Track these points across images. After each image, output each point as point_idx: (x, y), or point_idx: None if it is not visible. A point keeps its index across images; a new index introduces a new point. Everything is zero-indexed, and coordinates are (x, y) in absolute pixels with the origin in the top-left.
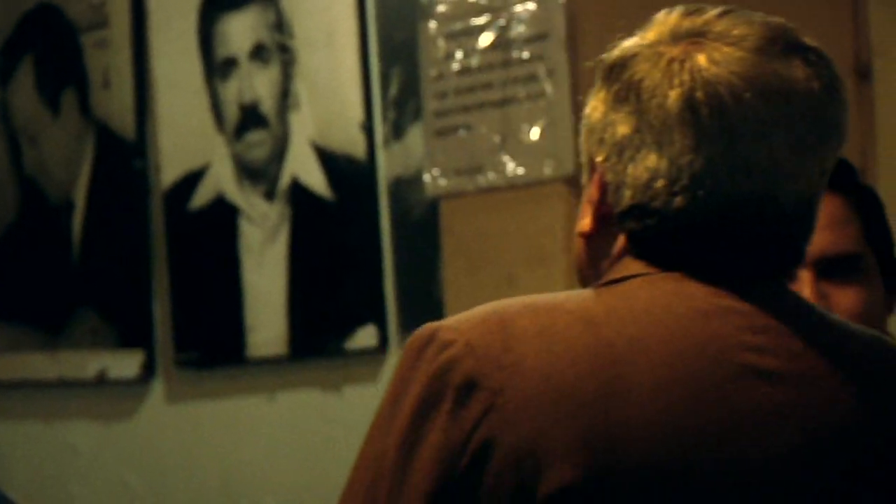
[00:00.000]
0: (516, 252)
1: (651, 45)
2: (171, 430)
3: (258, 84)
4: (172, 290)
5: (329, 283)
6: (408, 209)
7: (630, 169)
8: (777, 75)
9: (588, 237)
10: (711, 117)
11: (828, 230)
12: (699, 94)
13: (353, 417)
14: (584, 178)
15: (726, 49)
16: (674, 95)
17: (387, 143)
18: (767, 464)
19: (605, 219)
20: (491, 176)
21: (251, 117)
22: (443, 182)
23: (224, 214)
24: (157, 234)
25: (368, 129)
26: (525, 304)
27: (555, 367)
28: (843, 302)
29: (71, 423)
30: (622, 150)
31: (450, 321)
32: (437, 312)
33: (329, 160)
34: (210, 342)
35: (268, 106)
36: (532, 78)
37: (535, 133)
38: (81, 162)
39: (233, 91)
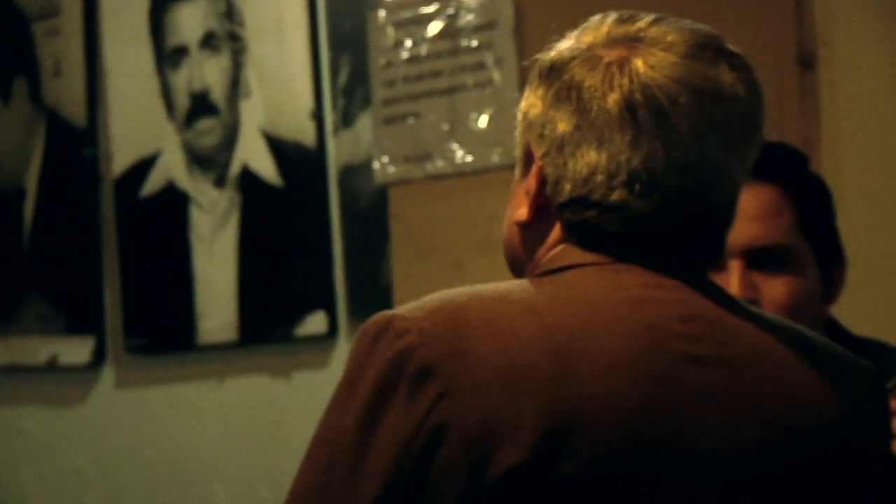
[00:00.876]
0: (464, 239)
1: (588, 49)
2: (121, 415)
3: (208, 72)
4: (123, 276)
5: (279, 269)
6: (357, 196)
7: (570, 164)
8: (708, 79)
9: (524, 226)
10: (649, 118)
11: (758, 221)
12: (638, 97)
13: (302, 403)
14: (518, 171)
15: (661, 54)
16: (614, 97)
17: (336, 130)
18: (706, 436)
19: (541, 209)
20: (439, 163)
21: (201, 105)
22: (391, 169)
23: (174, 201)
24: (108, 220)
25: (318, 117)
26: (472, 294)
27: (504, 354)
28: (772, 293)
29: (21, 408)
30: (562, 146)
31: (403, 310)
32: (385, 299)
33: (279, 148)
34: (160, 328)
35: (218, 94)
36: (480, 66)
37: (482, 121)
38: (32, 149)
39: (183, 79)
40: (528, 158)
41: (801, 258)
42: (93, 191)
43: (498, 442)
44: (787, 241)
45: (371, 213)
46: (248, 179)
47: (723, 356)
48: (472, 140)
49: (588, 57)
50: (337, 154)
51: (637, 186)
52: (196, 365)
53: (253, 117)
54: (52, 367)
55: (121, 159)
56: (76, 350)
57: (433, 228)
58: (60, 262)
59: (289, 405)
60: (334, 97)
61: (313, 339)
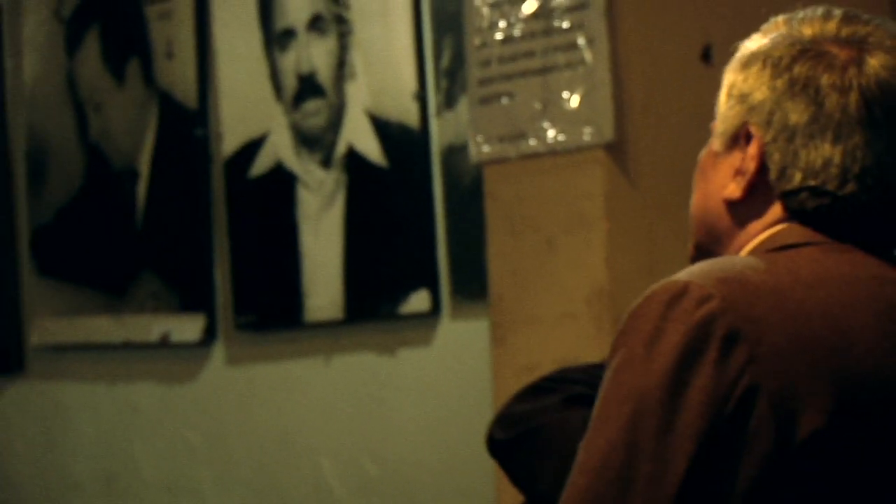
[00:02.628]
0: (556, 217)
1: (814, 42)
2: (231, 391)
3: (315, 54)
4: (232, 255)
5: (383, 248)
6: (460, 176)
7: (802, 154)
8: None
9: (733, 203)
10: (884, 117)
11: None
12: (875, 96)
13: (405, 380)
14: (720, 146)
15: (886, 56)
16: (854, 96)
17: (439, 111)
18: None
19: (753, 188)
20: (532, 142)
21: (308, 87)
22: (486, 148)
23: (282, 181)
24: (218, 200)
25: (421, 98)
26: (744, 264)
27: (793, 323)
28: None
29: (135, 384)
30: (793, 136)
31: (692, 277)
32: (487, 277)
33: (383, 129)
34: (268, 306)
35: (324, 76)
36: (572, 47)
37: (574, 101)
38: (145, 130)
39: (291, 61)
40: (740, 138)
41: None
42: (203, 171)
43: (801, 406)
44: None
45: (473, 192)
46: (354, 160)
47: None
48: (565, 119)
49: (819, 53)
50: (440, 134)
51: (869, 180)
52: (303, 342)
53: (358, 98)
54: (165, 344)
55: (231, 140)
56: (188, 327)
57: (526, 206)
58: (173, 241)
59: (393, 382)
60: (437, 78)
61: (417, 317)
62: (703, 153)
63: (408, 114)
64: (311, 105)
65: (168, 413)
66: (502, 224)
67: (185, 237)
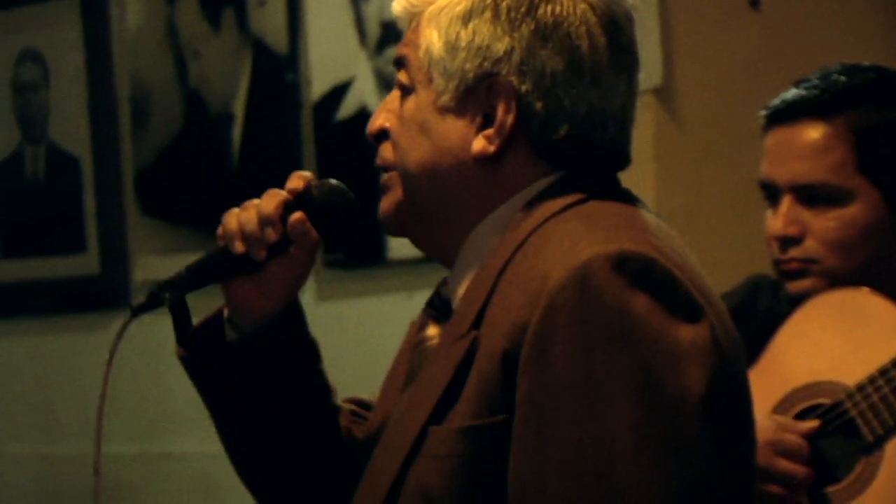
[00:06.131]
0: None
1: None
2: (321, 326)
3: (398, 1)
4: None
5: None
6: None
7: (566, 102)
8: None
9: (483, 159)
10: (625, 57)
11: (802, 159)
12: (617, 35)
13: None
14: (448, 99)
15: None
16: (601, 38)
17: None
18: None
19: (508, 143)
20: None
21: (391, 33)
22: None
23: (366, 125)
24: (307, 143)
25: None
26: (635, 226)
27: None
28: (817, 228)
29: None
30: (553, 84)
31: (639, 247)
32: None
33: None
34: (354, 244)
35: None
36: None
37: None
38: (240, 76)
39: (374, 8)
40: (479, 92)
41: (855, 195)
42: (294, 115)
43: None
44: (834, 179)
45: None
46: None
47: None
48: None
49: None
50: None
51: (620, 123)
52: (387, 279)
53: None
54: None
55: (319, 85)
56: None
57: None
58: (266, 183)
59: None
60: None
61: None
62: (410, 109)
63: None
64: (393, 51)
65: None
66: None
67: (277, 178)
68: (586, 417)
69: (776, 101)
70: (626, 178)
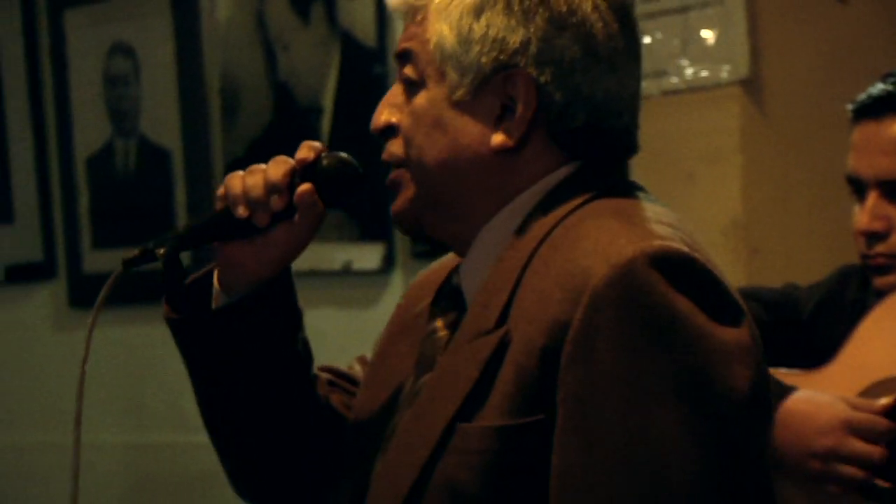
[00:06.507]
0: (695, 151)
1: None
2: None
3: None
4: None
5: None
6: None
7: (585, 89)
8: None
9: (503, 152)
10: (634, 42)
11: (889, 154)
12: (629, 20)
13: None
14: (462, 94)
15: None
16: (614, 23)
17: None
18: None
19: (526, 134)
20: (673, 79)
21: None
22: None
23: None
24: None
25: None
26: (672, 227)
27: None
28: None
29: (320, 310)
30: (571, 72)
31: (680, 244)
32: None
33: None
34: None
35: None
36: None
37: (712, 38)
38: (329, 68)
39: None
40: (495, 83)
41: None
42: None
43: None
44: None
45: None
46: None
47: None
48: (703, 57)
49: None
50: None
51: (633, 109)
52: None
53: None
54: (347, 271)
55: None
56: (368, 256)
57: (667, 141)
58: None
59: None
60: None
61: None
62: (422, 104)
63: None
64: None
65: (350, 337)
66: (645, 157)
67: (366, 170)
68: (635, 416)
69: (862, 96)
70: (712, 170)
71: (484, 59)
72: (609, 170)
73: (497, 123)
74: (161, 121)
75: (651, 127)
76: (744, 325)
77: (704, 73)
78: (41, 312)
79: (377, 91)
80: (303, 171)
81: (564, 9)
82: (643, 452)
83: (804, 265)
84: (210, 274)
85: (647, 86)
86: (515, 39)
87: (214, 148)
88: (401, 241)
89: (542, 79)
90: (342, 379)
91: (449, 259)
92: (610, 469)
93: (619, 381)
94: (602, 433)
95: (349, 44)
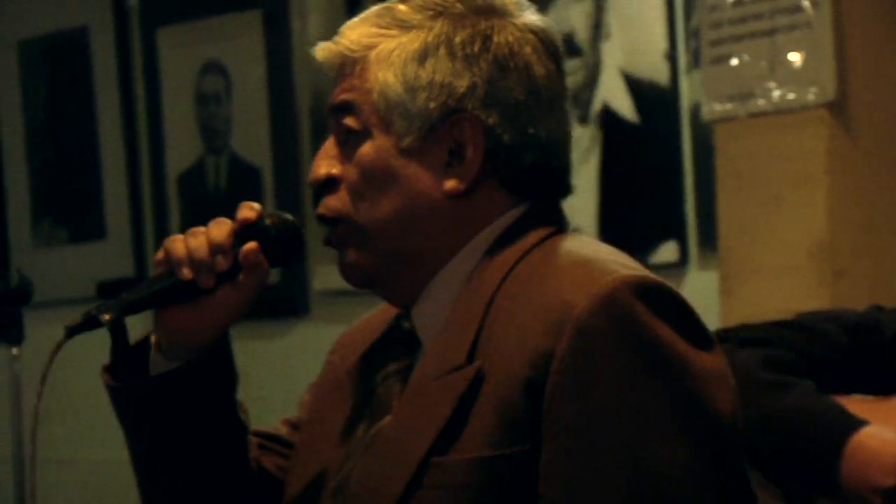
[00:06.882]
0: (782, 174)
1: (479, 14)
2: None
3: (573, 16)
4: None
5: (635, 201)
6: (707, 133)
7: (530, 131)
8: None
9: (455, 197)
10: (563, 82)
11: None
12: (559, 59)
13: None
14: (410, 141)
15: (536, 16)
16: (550, 63)
17: (688, 70)
18: None
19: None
20: (760, 102)
21: (567, 47)
22: (717, 107)
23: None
24: None
25: (671, 57)
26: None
27: None
28: None
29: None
30: (518, 114)
31: (640, 272)
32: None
33: (636, 87)
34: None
35: (582, 36)
36: (797, 9)
37: (799, 61)
38: None
39: (552, 20)
40: (442, 129)
41: None
42: None
43: None
44: None
45: None
46: (608, 117)
47: None
48: (790, 79)
49: (500, 26)
50: (689, 92)
51: (567, 147)
52: None
53: (613, 58)
54: None
55: None
56: None
57: (754, 163)
58: None
59: None
60: (687, 38)
61: (666, 267)
62: (369, 154)
63: (659, 72)
64: (570, 64)
65: None
66: (732, 180)
67: None
68: (638, 445)
69: None
70: (798, 193)
71: (432, 105)
72: (555, 210)
73: (446, 168)
74: (252, 139)
75: (737, 149)
76: (717, 350)
77: (791, 96)
78: (131, 328)
79: None
80: (245, 232)
81: (506, 51)
82: (648, 482)
83: (890, 288)
84: (146, 339)
85: (733, 108)
86: (462, 84)
87: (304, 166)
88: None
89: (490, 121)
90: (273, 442)
91: (379, 312)
92: (616, 496)
93: (619, 409)
94: (607, 464)
95: None
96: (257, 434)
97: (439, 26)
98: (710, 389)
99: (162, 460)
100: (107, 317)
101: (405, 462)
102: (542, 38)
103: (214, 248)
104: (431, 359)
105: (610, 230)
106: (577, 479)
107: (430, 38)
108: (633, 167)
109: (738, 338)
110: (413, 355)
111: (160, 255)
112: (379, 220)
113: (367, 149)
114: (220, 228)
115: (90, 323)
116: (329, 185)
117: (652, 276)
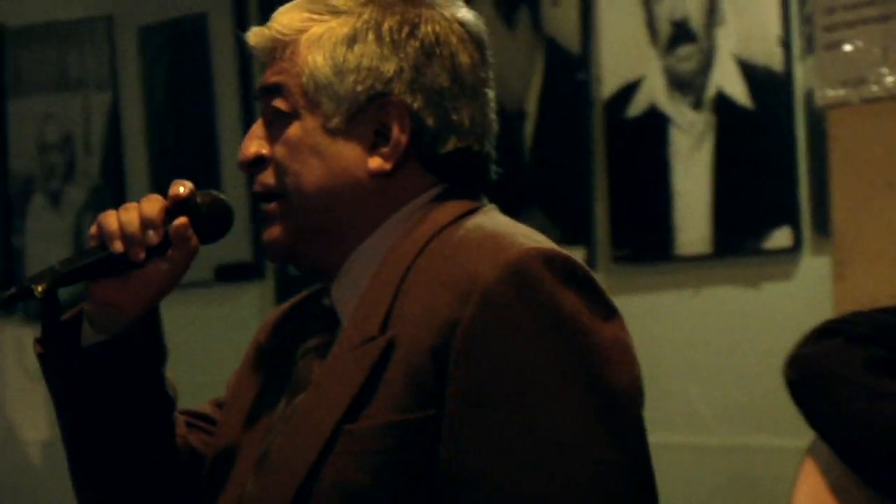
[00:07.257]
0: (895, 159)
1: (409, 3)
2: None
3: (688, 2)
4: (610, 192)
5: (749, 186)
6: (820, 118)
7: (453, 116)
8: None
9: (379, 176)
10: (487, 71)
11: None
12: (484, 51)
13: (768, 313)
14: (338, 122)
15: (466, 10)
16: (476, 53)
17: (802, 56)
18: None
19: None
20: (873, 87)
21: (681, 33)
22: (830, 93)
23: (656, 123)
24: (598, 140)
25: (786, 43)
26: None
27: None
28: None
29: None
30: (441, 99)
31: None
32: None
33: (750, 73)
34: (642, 240)
35: (696, 22)
36: None
37: None
38: (532, 74)
39: (666, 8)
40: (368, 111)
41: None
42: (585, 113)
43: None
44: None
45: None
46: (723, 102)
47: None
48: None
49: (430, 17)
50: (802, 78)
51: (490, 135)
52: (674, 274)
53: (727, 44)
54: None
55: (609, 83)
56: None
57: (867, 149)
58: (555, 179)
59: (756, 314)
60: (801, 24)
61: (779, 253)
62: (297, 134)
63: (773, 58)
64: (684, 50)
65: None
66: (845, 165)
67: (568, 175)
68: (527, 407)
69: None
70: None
71: (360, 88)
72: (474, 190)
73: (372, 149)
74: None
75: (850, 135)
76: (619, 320)
77: None
78: (249, 311)
79: (580, 97)
80: (176, 208)
81: (433, 39)
82: (538, 445)
83: None
84: (79, 313)
85: (846, 94)
86: (389, 68)
87: None
88: (601, 245)
89: (416, 105)
90: (200, 420)
91: (307, 293)
92: (507, 462)
93: (517, 374)
94: (497, 426)
95: (553, 50)
96: (185, 412)
97: (369, 12)
98: (610, 360)
99: (89, 432)
100: (39, 288)
101: (319, 431)
102: (468, 29)
103: (146, 223)
104: (348, 332)
105: (724, 216)
106: (472, 441)
107: (359, 24)
108: (747, 153)
109: (848, 334)
110: (333, 332)
111: (94, 229)
112: (303, 194)
113: (295, 128)
114: (151, 204)
115: (23, 293)
116: (257, 163)
117: (560, 249)
